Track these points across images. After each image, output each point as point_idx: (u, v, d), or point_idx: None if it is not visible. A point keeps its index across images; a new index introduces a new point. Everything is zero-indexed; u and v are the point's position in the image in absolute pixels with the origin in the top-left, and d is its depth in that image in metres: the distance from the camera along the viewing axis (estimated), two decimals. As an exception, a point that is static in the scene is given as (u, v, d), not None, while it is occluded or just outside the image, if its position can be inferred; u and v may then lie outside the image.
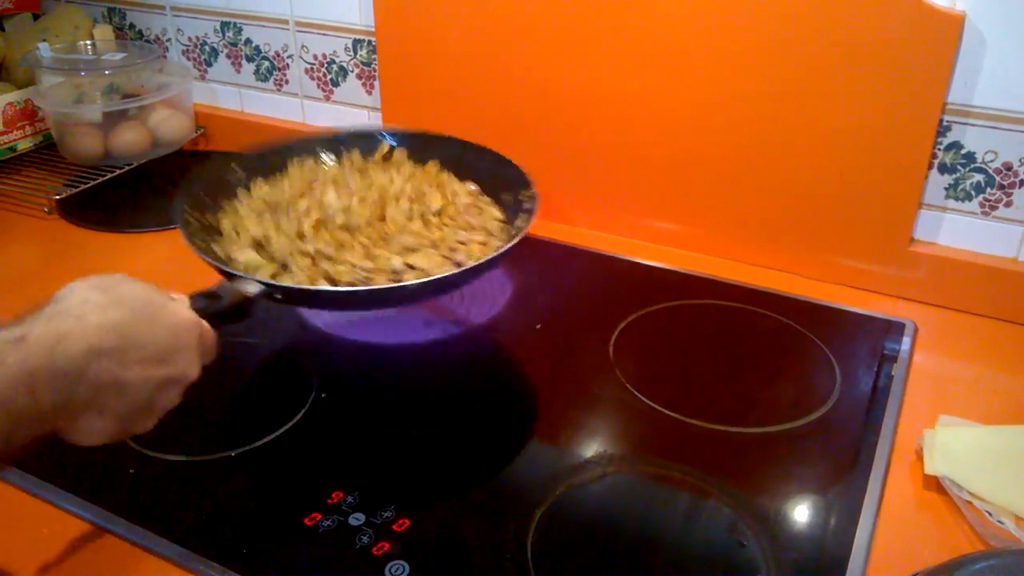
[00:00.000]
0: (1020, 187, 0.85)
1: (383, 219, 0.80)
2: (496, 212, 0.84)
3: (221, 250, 0.78)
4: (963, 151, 0.87)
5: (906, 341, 0.85)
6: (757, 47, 0.88)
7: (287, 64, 1.24)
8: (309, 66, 1.22)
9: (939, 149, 0.87)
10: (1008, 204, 0.87)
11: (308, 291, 0.72)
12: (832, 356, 0.82)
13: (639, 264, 1.00)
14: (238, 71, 1.29)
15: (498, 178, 0.87)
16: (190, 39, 1.31)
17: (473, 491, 0.66)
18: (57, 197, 1.12)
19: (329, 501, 0.64)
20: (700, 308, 0.91)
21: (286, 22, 1.20)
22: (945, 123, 0.86)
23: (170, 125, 1.23)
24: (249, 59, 1.27)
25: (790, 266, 0.97)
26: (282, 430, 0.72)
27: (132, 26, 1.36)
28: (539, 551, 0.60)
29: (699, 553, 0.61)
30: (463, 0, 1.01)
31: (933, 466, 0.66)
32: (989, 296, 0.89)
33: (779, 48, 0.87)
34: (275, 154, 0.90)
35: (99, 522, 0.63)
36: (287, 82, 1.25)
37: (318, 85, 1.23)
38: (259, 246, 0.77)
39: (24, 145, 1.23)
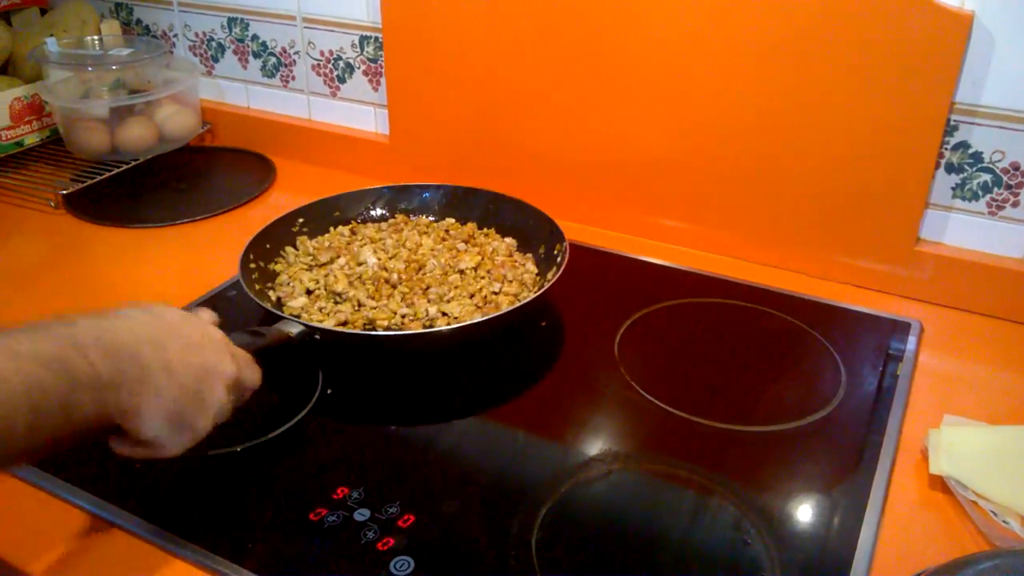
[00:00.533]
0: (1027, 187, 0.85)
1: (420, 270, 0.90)
2: (531, 267, 0.92)
3: (274, 294, 0.87)
4: (970, 151, 0.86)
5: (912, 341, 0.84)
6: (766, 47, 0.88)
7: (294, 60, 1.24)
8: (316, 62, 1.22)
9: (946, 148, 0.87)
10: (1015, 204, 0.86)
11: (344, 334, 0.78)
12: (838, 355, 0.82)
13: (645, 262, 1.00)
14: (245, 67, 1.29)
15: (535, 231, 0.95)
16: (197, 35, 1.31)
17: (478, 488, 0.66)
18: (64, 192, 1.13)
19: (334, 497, 0.64)
20: (705, 307, 0.91)
21: (293, 18, 1.20)
22: (952, 122, 0.86)
23: (176, 121, 1.23)
24: (256, 55, 1.27)
25: (795, 265, 0.97)
26: (288, 426, 0.73)
27: (139, 21, 1.36)
28: (544, 548, 0.60)
29: (704, 551, 0.61)
30: (470, -3, 1.02)
31: (938, 466, 0.66)
32: (995, 296, 0.88)
33: (787, 48, 0.87)
34: (332, 210, 1.00)
35: (106, 516, 0.63)
36: (293, 78, 1.25)
37: (324, 82, 1.23)
38: (309, 293, 0.87)
39: (31, 140, 1.23)
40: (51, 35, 1.23)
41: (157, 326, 0.57)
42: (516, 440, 0.72)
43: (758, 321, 0.88)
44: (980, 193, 0.88)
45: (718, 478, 0.67)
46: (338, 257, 0.92)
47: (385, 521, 0.62)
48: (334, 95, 1.23)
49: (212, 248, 1.03)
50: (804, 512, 0.64)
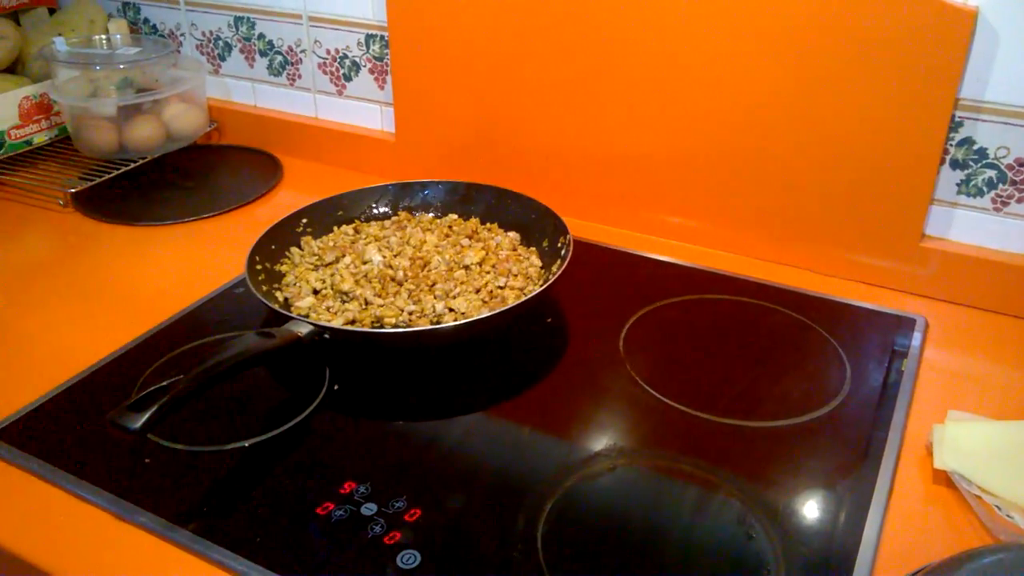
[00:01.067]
0: (1032, 183, 0.85)
1: (426, 267, 0.90)
2: (536, 260, 0.92)
3: (281, 295, 0.87)
4: (975, 147, 0.86)
5: (917, 337, 0.85)
6: (770, 44, 0.88)
7: (300, 59, 1.24)
8: (322, 61, 1.22)
9: (951, 145, 0.87)
10: (1020, 200, 0.86)
11: (353, 332, 0.79)
12: (842, 351, 0.82)
13: (649, 259, 1.00)
14: (251, 66, 1.30)
15: (538, 225, 0.95)
16: (204, 34, 1.32)
17: (484, 483, 0.67)
18: (72, 190, 1.13)
19: (341, 491, 0.65)
20: (710, 303, 0.91)
21: (299, 17, 1.21)
22: (957, 119, 0.86)
23: (184, 119, 1.24)
24: (262, 54, 1.27)
25: (801, 261, 0.97)
26: (295, 421, 0.73)
27: (147, 21, 1.37)
28: (549, 542, 0.60)
29: (708, 545, 0.61)
30: (475, -5, 1.02)
31: (943, 460, 0.66)
32: (1000, 292, 0.88)
33: (792, 44, 0.87)
34: (335, 209, 1.00)
35: (114, 510, 0.64)
36: (300, 77, 1.26)
37: (331, 80, 1.23)
38: (315, 292, 0.88)
39: (40, 139, 1.24)
40: (59, 34, 1.24)
41: None
42: (521, 435, 0.72)
43: (763, 317, 0.88)
44: (985, 189, 0.88)
45: (722, 473, 0.67)
46: (343, 256, 0.92)
47: (392, 515, 0.63)
48: (340, 93, 1.24)
49: (220, 246, 1.04)
50: (809, 507, 0.65)
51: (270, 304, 0.80)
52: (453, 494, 0.65)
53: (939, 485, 0.67)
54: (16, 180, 1.18)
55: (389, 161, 1.20)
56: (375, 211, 1.02)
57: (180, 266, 1.00)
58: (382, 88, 1.20)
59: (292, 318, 0.77)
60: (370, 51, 1.18)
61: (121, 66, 1.21)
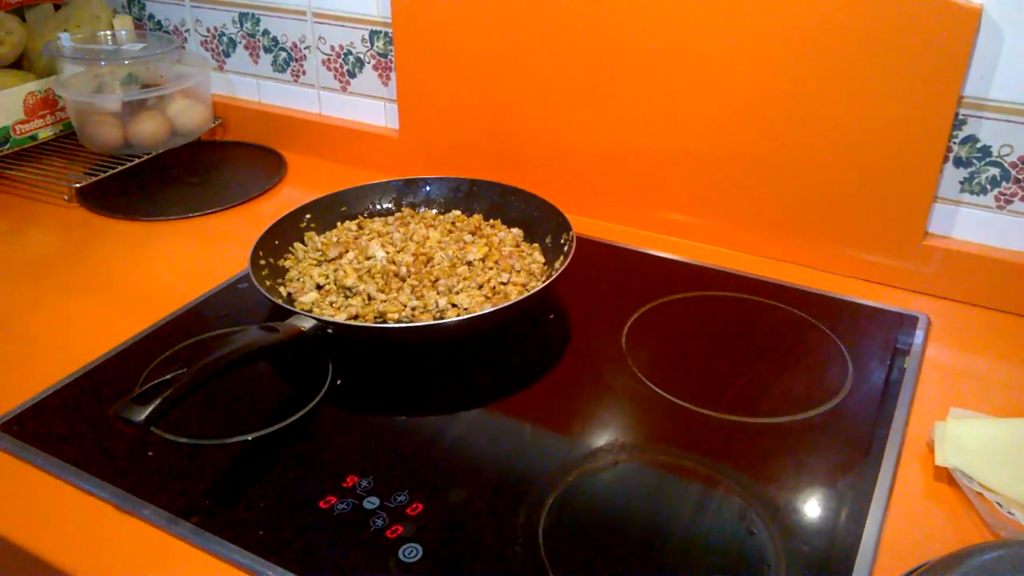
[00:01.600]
0: (1036, 181, 0.85)
1: (429, 263, 0.91)
2: (539, 256, 0.93)
3: (284, 290, 0.88)
4: (979, 145, 0.86)
5: (919, 334, 0.85)
6: (774, 41, 0.88)
7: (304, 55, 1.24)
8: (326, 57, 1.23)
9: (954, 143, 0.87)
10: (1023, 198, 0.86)
11: (357, 327, 0.80)
12: (844, 348, 0.82)
13: (652, 256, 1.00)
14: (256, 62, 1.30)
15: (541, 221, 0.96)
16: (208, 30, 1.32)
17: (486, 477, 0.67)
18: (77, 185, 1.14)
19: (344, 485, 0.65)
20: (713, 300, 0.91)
21: (304, 13, 1.21)
22: (961, 116, 0.86)
23: (188, 115, 1.24)
24: (267, 50, 1.28)
25: (803, 258, 0.97)
26: (298, 415, 0.73)
27: (151, 16, 1.37)
28: (550, 537, 0.61)
29: (709, 541, 0.61)
30: (479, -8, 1.02)
31: (944, 458, 0.66)
32: (1003, 290, 0.88)
33: (796, 42, 0.87)
34: (339, 205, 1.01)
35: (117, 503, 0.64)
36: (304, 73, 1.26)
37: (335, 76, 1.24)
38: (319, 287, 0.88)
39: (45, 134, 1.24)
40: (64, 30, 1.24)
41: None
42: (523, 431, 0.73)
43: (765, 314, 0.89)
44: (988, 187, 0.88)
45: (724, 469, 0.67)
46: (346, 252, 0.92)
47: (394, 509, 0.63)
48: (344, 90, 1.24)
49: (224, 241, 1.04)
50: (810, 503, 0.65)
51: (274, 299, 0.81)
52: (455, 488, 0.65)
53: (940, 482, 0.67)
54: (21, 175, 1.18)
55: (393, 157, 1.20)
56: (378, 207, 1.03)
57: (184, 261, 1.00)
58: (386, 84, 1.20)
59: (296, 313, 0.77)
60: (374, 47, 1.18)
61: (126, 62, 1.21)
